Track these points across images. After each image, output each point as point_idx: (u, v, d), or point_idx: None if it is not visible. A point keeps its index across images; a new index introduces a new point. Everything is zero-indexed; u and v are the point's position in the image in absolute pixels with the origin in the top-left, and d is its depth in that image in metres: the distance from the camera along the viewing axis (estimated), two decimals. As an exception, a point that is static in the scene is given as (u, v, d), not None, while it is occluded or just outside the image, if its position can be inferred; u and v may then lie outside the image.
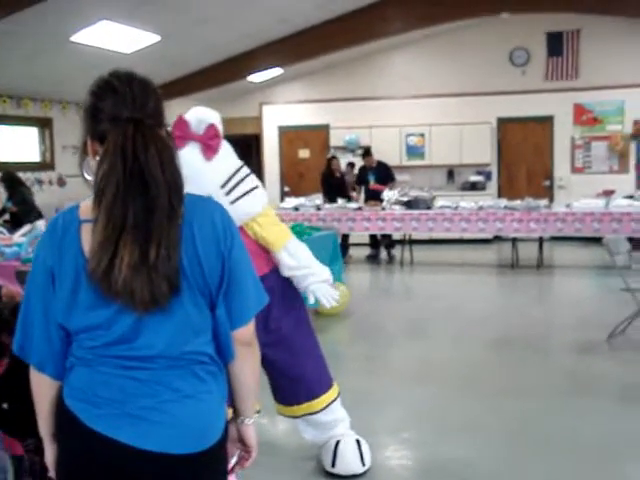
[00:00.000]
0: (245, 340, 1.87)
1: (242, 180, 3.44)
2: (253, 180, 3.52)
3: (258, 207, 3.50)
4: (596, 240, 11.07)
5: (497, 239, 13.17)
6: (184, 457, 1.73)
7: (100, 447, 1.70)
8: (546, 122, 14.09)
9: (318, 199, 11.81)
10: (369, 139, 14.24)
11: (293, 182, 15.22)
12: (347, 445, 3.79)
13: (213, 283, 1.77)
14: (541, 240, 10.94)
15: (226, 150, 3.46)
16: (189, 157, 3.29)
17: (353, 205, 11.54)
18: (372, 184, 12.09)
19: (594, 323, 6.94)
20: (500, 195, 13.57)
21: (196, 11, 9.09)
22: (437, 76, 14.24)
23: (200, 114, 3.38)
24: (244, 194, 3.43)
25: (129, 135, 1.68)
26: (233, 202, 3.36)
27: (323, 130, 14.82)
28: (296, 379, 3.70)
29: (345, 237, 11.79)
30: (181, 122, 3.35)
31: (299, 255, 3.64)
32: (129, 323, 1.69)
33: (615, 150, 13.79)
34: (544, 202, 10.92)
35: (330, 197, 12.11)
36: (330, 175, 12.54)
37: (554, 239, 12.39)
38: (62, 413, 1.76)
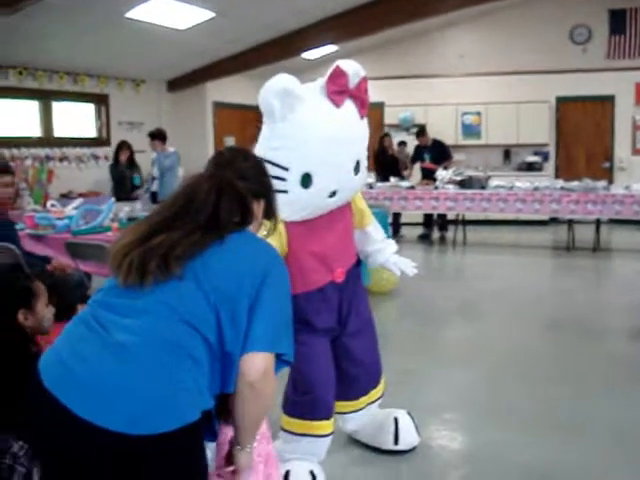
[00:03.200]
0: (249, 377, 1.91)
1: None
2: None
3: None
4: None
5: (553, 221, 12.94)
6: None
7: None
8: (607, 102, 13.73)
9: (370, 177, 11.73)
10: (424, 117, 14.07)
11: (347, 160, 15.13)
12: (405, 420, 3.76)
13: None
14: (598, 222, 10.68)
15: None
16: (351, 115, 3.07)
17: (406, 184, 11.43)
18: (427, 162, 11.95)
19: (650, 308, 6.77)
20: (557, 176, 13.29)
21: (250, -13, 9.07)
22: (494, 54, 13.97)
23: (353, 66, 3.05)
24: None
25: None
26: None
27: (378, 108, 14.67)
28: (372, 364, 3.68)
29: (396, 216, 11.69)
30: (342, 75, 2.98)
31: (379, 228, 3.68)
32: None
33: (678, 131, 13.40)
34: (602, 183, 10.63)
35: (383, 175, 12.01)
36: (383, 152, 12.43)
37: (612, 222, 12.09)
38: None
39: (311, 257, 3.17)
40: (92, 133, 11.78)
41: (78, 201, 6.89)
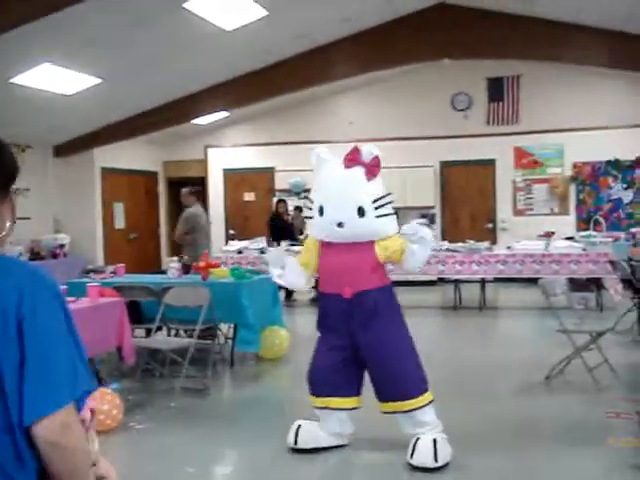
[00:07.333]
0: (48, 438, 1.49)
1: (388, 203, 4.53)
2: (392, 209, 4.59)
3: (392, 229, 4.59)
4: (537, 281, 11.20)
5: (441, 281, 13.25)
6: None
7: None
8: (488, 165, 14.33)
9: (262, 242, 11.76)
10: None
11: (238, 225, 15.14)
12: (425, 442, 4.40)
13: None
14: (483, 281, 11.03)
15: (380, 179, 4.59)
16: (356, 175, 4.49)
17: (297, 248, 11.49)
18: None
19: (533, 364, 6.97)
20: (444, 237, 13.67)
21: (137, 54, 9.09)
22: (381, 120, 14.40)
23: (370, 148, 4.55)
24: (387, 214, 4.51)
25: None
26: (378, 217, 4.46)
27: (268, 173, 14.85)
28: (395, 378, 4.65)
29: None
30: (356, 151, 4.55)
31: (414, 252, 4.55)
32: None
33: (555, 192, 14.06)
34: (485, 244, 11.03)
35: (277, 240, 12.05)
36: (278, 218, 12.50)
37: (497, 280, 12.49)
38: None
39: (328, 270, 4.62)
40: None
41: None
